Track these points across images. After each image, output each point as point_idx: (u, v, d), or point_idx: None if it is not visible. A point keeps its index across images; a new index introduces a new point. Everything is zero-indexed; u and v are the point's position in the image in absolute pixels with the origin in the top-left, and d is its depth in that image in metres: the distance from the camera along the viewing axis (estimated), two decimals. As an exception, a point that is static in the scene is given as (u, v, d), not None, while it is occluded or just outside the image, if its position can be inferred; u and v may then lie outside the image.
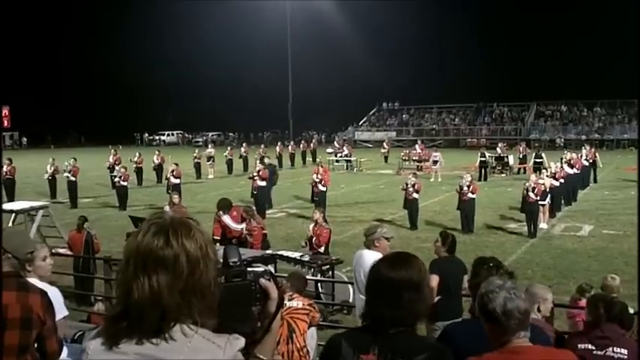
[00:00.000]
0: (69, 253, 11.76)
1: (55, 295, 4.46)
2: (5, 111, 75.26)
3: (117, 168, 24.35)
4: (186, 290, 1.64)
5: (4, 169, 24.21)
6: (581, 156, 25.97)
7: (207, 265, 1.69)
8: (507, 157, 32.52)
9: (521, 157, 32.65)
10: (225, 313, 1.74)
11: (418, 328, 2.59)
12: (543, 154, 29.27)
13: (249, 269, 1.86)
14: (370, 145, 58.50)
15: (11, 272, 3.62)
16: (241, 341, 1.69)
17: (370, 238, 6.80)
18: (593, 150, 29.21)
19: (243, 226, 12.13)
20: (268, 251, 11.62)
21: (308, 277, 10.04)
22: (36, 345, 3.63)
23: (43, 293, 3.68)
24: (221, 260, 1.81)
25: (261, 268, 1.89)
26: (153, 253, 1.64)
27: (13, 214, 14.03)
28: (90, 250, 11.49)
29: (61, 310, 4.47)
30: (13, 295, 3.49)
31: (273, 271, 2.01)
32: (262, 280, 1.84)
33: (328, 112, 72.66)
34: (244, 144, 40.08)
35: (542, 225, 17.23)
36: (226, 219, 12.52)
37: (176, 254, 1.64)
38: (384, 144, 43.36)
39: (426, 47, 73.58)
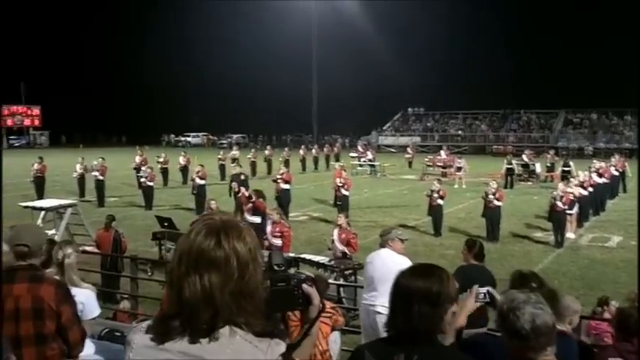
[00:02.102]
0: (96, 250, 11.92)
1: (89, 295, 4.60)
2: (36, 111, 76.68)
3: (143, 168, 24.60)
4: (236, 291, 1.68)
5: (35, 167, 24.65)
6: (610, 165, 25.64)
7: (256, 268, 1.73)
8: (534, 164, 32.19)
9: (548, 165, 32.31)
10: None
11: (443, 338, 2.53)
12: (571, 163, 28.87)
13: (291, 273, 1.92)
14: (394, 150, 58.31)
15: (23, 265, 3.71)
16: (282, 346, 1.73)
17: (384, 238, 6.88)
18: (622, 159, 28.82)
19: None
20: (291, 254, 11.65)
21: (330, 281, 10.05)
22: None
23: (59, 285, 3.77)
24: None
25: (303, 275, 1.95)
26: (205, 253, 1.68)
27: (43, 212, 14.26)
28: (118, 249, 11.65)
29: (93, 310, 4.59)
30: (24, 287, 3.60)
31: (314, 278, 2.04)
32: (305, 286, 1.90)
33: (352, 116, 72.61)
34: (268, 146, 40.22)
35: (570, 235, 17.01)
36: None
37: (227, 256, 1.69)
38: (408, 149, 43.17)
39: (452, 51, 73.39)
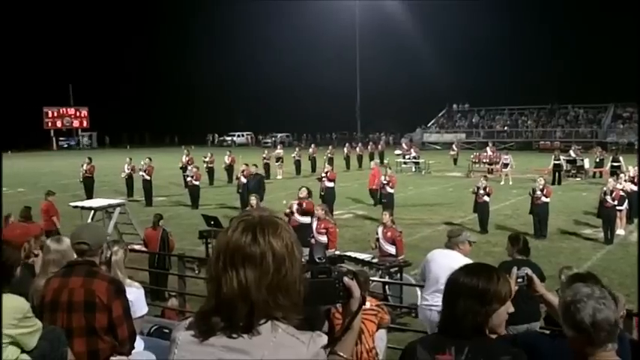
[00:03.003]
0: (144, 249, 12.15)
1: (138, 294, 4.72)
2: (84, 112, 78.57)
3: (189, 168, 24.95)
4: (272, 286, 1.70)
5: (84, 167, 25.25)
6: (662, 160, 24.91)
7: (293, 263, 1.74)
8: (582, 160, 31.55)
9: (597, 160, 31.62)
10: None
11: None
12: (621, 158, 28.22)
13: (332, 266, 1.91)
14: (439, 147, 57.82)
15: (81, 261, 3.88)
16: (324, 338, 1.75)
17: (454, 241, 6.76)
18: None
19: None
20: (336, 252, 11.66)
21: (376, 278, 10.02)
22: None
23: (112, 281, 3.89)
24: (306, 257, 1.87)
25: (344, 268, 1.95)
26: (241, 249, 1.70)
27: (92, 211, 14.59)
28: (166, 247, 11.86)
29: (142, 308, 4.72)
30: (79, 280, 3.77)
31: (355, 272, 2.03)
32: (346, 279, 1.90)
33: (397, 114, 72.15)
34: (312, 145, 40.32)
35: (619, 231, 16.59)
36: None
37: (263, 251, 1.70)
38: (453, 146, 42.72)
39: (497, 46, 72.14)
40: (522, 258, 6.97)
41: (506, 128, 63.25)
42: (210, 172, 30.18)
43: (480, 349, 2.40)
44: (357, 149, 41.30)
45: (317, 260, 1.92)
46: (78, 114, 78.44)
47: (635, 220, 18.45)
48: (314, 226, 12.17)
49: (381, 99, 73.40)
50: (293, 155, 35.62)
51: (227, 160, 31.12)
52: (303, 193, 14.04)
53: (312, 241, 11.71)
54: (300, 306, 1.76)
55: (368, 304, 5.99)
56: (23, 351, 3.38)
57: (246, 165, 23.16)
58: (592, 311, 2.35)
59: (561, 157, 30.12)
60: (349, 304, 1.92)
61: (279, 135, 75.08)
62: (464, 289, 2.45)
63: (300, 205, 13.76)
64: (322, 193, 20.46)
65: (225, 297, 1.68)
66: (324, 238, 11.86)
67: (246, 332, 1.68)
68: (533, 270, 6.60)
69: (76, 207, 15.14)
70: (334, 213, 19.45)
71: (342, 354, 1.88)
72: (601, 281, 3.69)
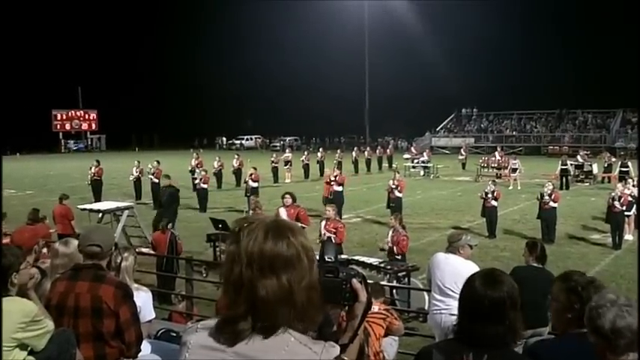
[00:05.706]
0: (151, 252, 12.19)
1: (145, 298, 4.73)
2: (93, 115, 78.91)
3: (198, 171, 24.98)
4: (308, 286, 1.71)
5: (92, 170, 25.30)
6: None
7: (315, 263, 1.77)
8: (591, 165, 31.45)
9: (606, 165, 31.52)
10: None
11: None
12: (630, 163, 28.11)
13: (341, 267, 1.90)
14: (447, 152, 57.75)
15: (88, 264, 3.84)
16: (337, 349, 1.74)
17: (455, 245, 6.72)
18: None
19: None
20: (343, 256, 11.66)
21: (383, 283, 10.01)
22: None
23: (119, 286, 3.86)
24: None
25: (354, 271, 1.92)
26: (280, 255, 1.70)
27: (101, 214, 14.66)
28: (174, 250, 11.89)
29: (150, 313, 4.72)
30: (85, 285, 3.74)
31: (365, 275, 2.01)
32: (354, 281, 1.86)
33: (405, 118, 72.03)
34: (321, 149, 40.30)
35: (628, 236, 16.54)
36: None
37: (298, 252, 1.72)
38: (462, 150, 42.68)
39: (506, 51, 71.95)
40: (538, 266, 6.92)
41: (514, 133, 63.10)
42: (219, 175, 30.21)
43: (498, 358, 2.41)
44: (366, 153, 41.26)
45: (326, 259, 1.91)
46: (87, 116, 78.73)
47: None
48: (322, 224, 12.24)
49: (389, 103, 73.28)
50: (301, 159, 35.59)
51: (235, 163, 31.11)
52: (289, 200, 13.78)
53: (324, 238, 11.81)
54: (323, 305, 1.78)
55: (376, 308, 5.98)
56: (30, 353, 3.39)
57: (255, 169, 23.18)
58: (613, 317, 2.34)
59: (568, 162, 30.01)
60: (354, 308, 1.88)
61: (287, 138, 75.14)
62: (490, 300, 2.46)
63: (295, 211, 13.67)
64: (331, 197, 20.45)
65: (266, 301, 1.67)
66: (331, 237, 11.93)
67: (264, 338, 1.67)
68: (541, 276, 6.59)
69: (84, 210, 15.23)
70: (343, 217, 19.46)
71: (347, 358, 1.87)
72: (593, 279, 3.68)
